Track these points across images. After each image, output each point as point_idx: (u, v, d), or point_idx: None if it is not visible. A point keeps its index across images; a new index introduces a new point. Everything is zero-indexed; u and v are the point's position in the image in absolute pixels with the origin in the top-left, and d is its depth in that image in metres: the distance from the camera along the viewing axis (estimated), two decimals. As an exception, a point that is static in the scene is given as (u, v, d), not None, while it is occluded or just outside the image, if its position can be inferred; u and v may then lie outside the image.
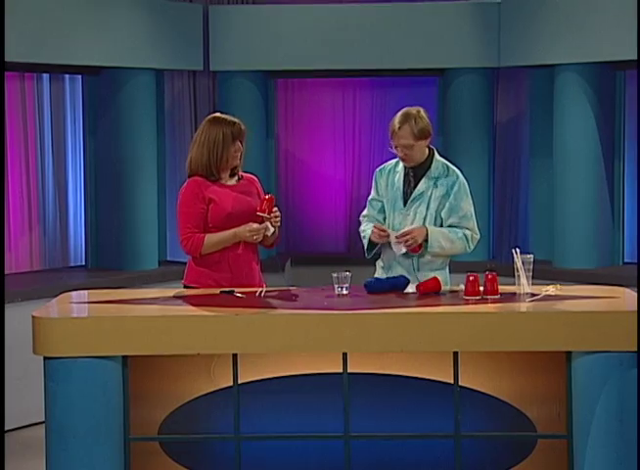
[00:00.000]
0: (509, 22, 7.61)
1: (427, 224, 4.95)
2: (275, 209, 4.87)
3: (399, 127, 4.90)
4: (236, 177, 5.01)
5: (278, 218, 4.89)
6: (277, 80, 8.36)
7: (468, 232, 4.97)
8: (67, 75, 7.42)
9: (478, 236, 5.02)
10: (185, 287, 4.98)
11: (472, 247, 5.01)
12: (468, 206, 4.98)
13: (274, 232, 4.93)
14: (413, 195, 4.98)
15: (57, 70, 7.19)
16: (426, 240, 4.91)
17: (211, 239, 4.87)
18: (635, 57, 6.51)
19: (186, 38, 7.61)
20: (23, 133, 7.21)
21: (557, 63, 7.35)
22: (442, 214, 4.96)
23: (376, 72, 8.06)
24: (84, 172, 7.56)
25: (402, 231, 4.91)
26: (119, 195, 7.40)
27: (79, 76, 7.45)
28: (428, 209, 4.96)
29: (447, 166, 5.01)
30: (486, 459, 4.36)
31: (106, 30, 7.06)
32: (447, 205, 4.95)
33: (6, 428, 6.03)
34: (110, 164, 7.41)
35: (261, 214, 4.84)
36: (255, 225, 4.85)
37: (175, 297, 4.63)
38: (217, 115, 5.02)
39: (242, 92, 7.92)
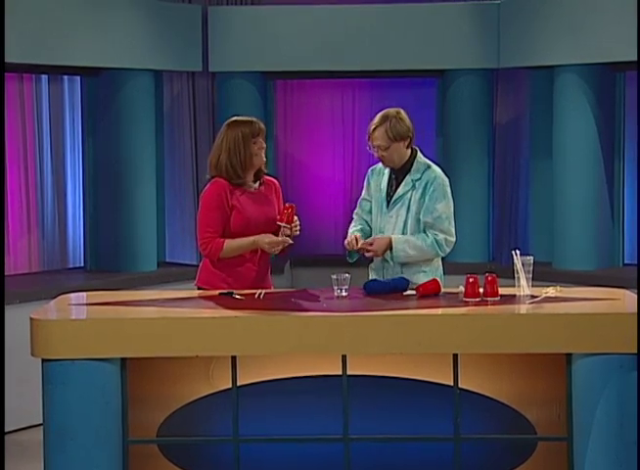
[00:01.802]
0: (508, 22, 7.58)
1: (408, 228, 4.94)
2: (295, 218, 4.89)
3: (374, 128, 4.93)
4: (258, 182, 5.02)
5: (297, 228, 4.91)
6: (276, 81, 8.33)
7: (440, 236, 4.90)
8: (65, 76, 7.38)
9: (453, 239, 4.94)
10: (198, 289, 5.00)
11: (446, 250, 4.95)
12: (444, 207, 4.92)
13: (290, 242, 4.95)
14: (394, 198, 4.99)
15: (55, 72, 7.15)
16: (391, 249, 4.90)
17: (231, 245, 4.89)
18: (635, 58, 6.49)
19: (185, 39, 7.57)
20: (22, 134, 7.18)
21: (557, 64, 7.31)
22: (420, 215, 4.95)
23: (375, 74, 8.02)
24: (83, 174, 7.52)
25: (365, 241, 4.91)
26: (118, 196, 7.36)
27: (78, 77, 7.42)
28: (408, 212, 4.95)
29: (428, 166, 4.99)
30: (486, 462, 4.34)
31: (105, 31, 7.03)
32: (423, 205, 4.93)
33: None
34: (108, 165, 7.37)
35: (281, 224, 4.85)
36: (276, 238, 4.87)
37: (174, 299, 4.61)
38: (234, 118, 5.03)
39: (241, 93, 7.87)
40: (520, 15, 7.51)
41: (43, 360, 4.17)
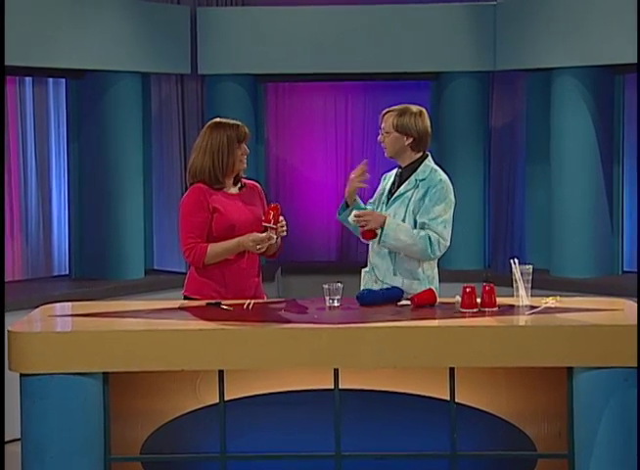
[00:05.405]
0: (505, 24, 7.52)
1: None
2: (281, 218, 4.75)
3: (387, 112, 4.92)
4: (239, 184, 4.91)
5: (284, 228, 4.77)
6: (267, 84, 8.26)
7: (435, 235, 4.76)
8: (50, 79, 7.30)
9: (446, 243, 4.79)
10: (185, 298, 4.86)
11: (437, 251, 4.77)
12: (441, 210, 4.79)
13: (277, 241, 4.81)
14: (395, 195, 4.89)
15: (40, 74, 7.07)
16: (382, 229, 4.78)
17: (215, 249, 4.75)
18: (635, 60, 6.38)
19: (173, 41, 7.50)
20: (5, 138, 7.07)
21: (554, 66, 7.25)
22: (417, 216, 4.83)
23: (368, 76, 7.96)
24: (68, 179, 7.45)
25: (362, 211, 4.80)
26: (104, 202, 7.28)
27: (63, 80, 7.34)
28: (406, 210, 4.83)
29: (434, 171, 4.90)
30: (484, 480, 4.24)
31: (90, 33, 6.95)
32: (422, 205, 4.81)
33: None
34: (94, 170, 7.29)
35: (267, 225, 4.71)
36: (260, 235, 4.72)
37: (159, 310, 4.49)
38: (218, 119, 4.92)
39: (231, 96, 7.81)
40: (516, 16, 7.46)
41: (21, 375, 4.06)
